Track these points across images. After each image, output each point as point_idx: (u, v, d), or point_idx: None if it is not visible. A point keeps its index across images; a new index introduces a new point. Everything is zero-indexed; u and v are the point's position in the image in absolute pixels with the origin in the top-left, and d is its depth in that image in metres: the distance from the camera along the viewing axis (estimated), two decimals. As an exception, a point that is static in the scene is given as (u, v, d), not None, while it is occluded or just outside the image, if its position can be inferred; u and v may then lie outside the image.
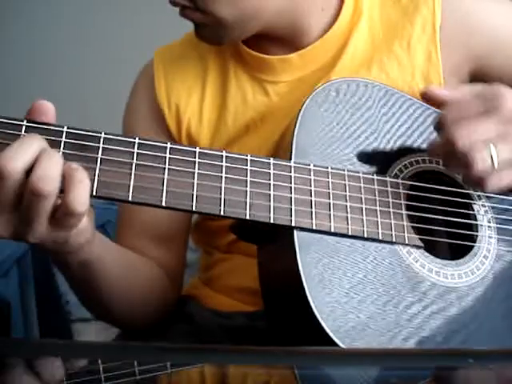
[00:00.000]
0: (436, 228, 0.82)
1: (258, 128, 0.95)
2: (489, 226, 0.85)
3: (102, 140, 0.65)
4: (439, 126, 0.79)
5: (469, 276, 0.80)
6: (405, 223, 0.79)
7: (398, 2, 0.95)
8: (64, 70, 2.32)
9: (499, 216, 0.86)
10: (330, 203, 0.75)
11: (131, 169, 0.66)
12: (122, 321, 0.94)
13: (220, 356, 0.57)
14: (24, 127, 0.63)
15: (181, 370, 0.57)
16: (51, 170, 0.62)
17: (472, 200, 0.85)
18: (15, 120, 0.63)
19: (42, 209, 0.63)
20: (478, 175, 0.76)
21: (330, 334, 0.70)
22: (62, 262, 0.76)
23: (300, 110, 0.80)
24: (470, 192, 0.86)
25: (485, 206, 0.86)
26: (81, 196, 0.63)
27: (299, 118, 0.79)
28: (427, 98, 0.85)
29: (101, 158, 0.65)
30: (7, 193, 0.62)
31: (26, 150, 0.62)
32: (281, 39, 0.94)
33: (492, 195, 0.86)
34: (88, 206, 0.64)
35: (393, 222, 0.78)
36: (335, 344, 0.70)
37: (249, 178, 0.73)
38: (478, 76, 0.95)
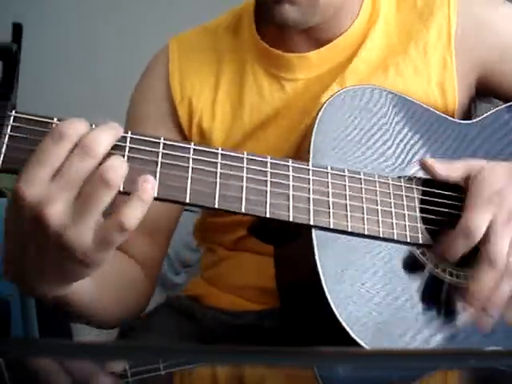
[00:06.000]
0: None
1: (272, 124, 0.98)
2: None
3: (128, 140, 0.69)
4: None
5: None
6: (419, 225, 0.83)
7: (414, 7, 0.98)
8: (66, 69, 2.38)
9: None
10: (346, 204, 0.79)
11: (156, 167, 0.70)
12: (96, 324, 0.94)
13: (226, 356, 0.58)
14: (54, 124, 0.66)
15: (182, 370, 0.59)
16: (121, 166, 0.65)
17: None
18: (45, 117, 0.67)
19: (101, 199, 0.64)
20: None
21: (349, 331, 0.74)
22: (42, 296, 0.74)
23: (318, 113, 0.84)
24: None
25: None
26: (136, 214, 0.65)
27: (317, 121, 0.83)
28: (422, 167, 0.87)
29: (128, 157, 0.68)
30: (83, 171, 0.64)
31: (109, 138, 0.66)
32: (309, 34, 0.97)
33: None
34: (136, 225, 0.65)
35: (407, 223, 0.82)
36: (352, 340, 0.74)
37: (269, 179, 0.76)
38: (486, 81, 0.99)
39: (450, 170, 0.85)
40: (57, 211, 0.64)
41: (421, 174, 0.86)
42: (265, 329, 0.92)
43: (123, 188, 0.66)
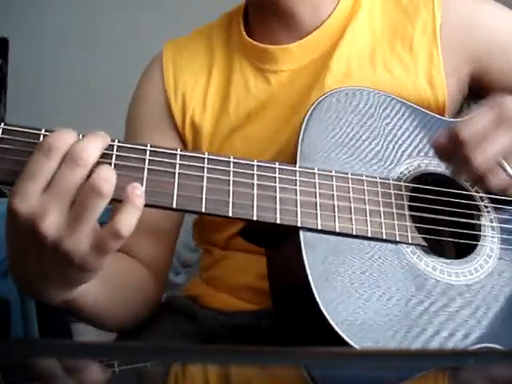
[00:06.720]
0: (439, 228, 0.87)
1: (259, 117, 1.01)
2: (491, 226, 0.89)
3: (115, 148, 0.71)
4: (452, 139, 0.83)
5: (472, 274, 0.85)
6: (408, 223, 0.84)
7: (399, 2, 1.01)
8: (67, 72, 2.42)
9: (501, 215, 0.91)
10: (334, 205, 0.81)
11: (143, 174, 0.72)
12: (107, 329, 0.99)
13: (223, 356, 0.59)
14: (42, 136, 0.69)
15: (182, 369, 0.60)
16: (113, 175, 0.67)
17: (474, 200, 0.90)
18: (34, 129, 0.69)
19: (94, 208, 0.67)
20: (498, 189, 0.83)
21: (338, 330, 0.75)
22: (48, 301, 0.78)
23: (305, 116, 0.85)
24: (472, 193, 0.90)
25: (487, 207, 0.90)
26: (130, 221, 0.68)
27: (304, 124, 0.85)
28: (440, 150, 0.86)
29: (114, 164, 0.71)
30: (74, 181, 0.67)
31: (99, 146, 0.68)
32: (289, 25, 1.00)
33: (494, 196, 0.90)
34: (131, 231, 0.68)
35: (396, 222, 0.83)
36: (342, 340, 0.75)
37: (255, 182, 0.78)
38: (477, 78, 1.01)
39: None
40: (52, 222, 0.67)
41: (410, 172, 0.88)
42: (262, 329, 0.93)
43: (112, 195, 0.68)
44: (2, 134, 0.68)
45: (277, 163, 0.80)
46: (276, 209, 0.78)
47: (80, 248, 0.68)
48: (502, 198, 0.91)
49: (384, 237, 0.82)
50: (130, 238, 0.97)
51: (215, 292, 1.03)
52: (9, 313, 1.65)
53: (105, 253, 0.69)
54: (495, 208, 0.91)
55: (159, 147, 0.74)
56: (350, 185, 0.83)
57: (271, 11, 1.00)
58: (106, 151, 0.70)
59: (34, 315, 1.66)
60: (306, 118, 0.85)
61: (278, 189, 0.79)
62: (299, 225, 0.78)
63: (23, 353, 0.58)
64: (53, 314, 1.69)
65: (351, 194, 0.82)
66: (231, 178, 0.77)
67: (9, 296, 1.66)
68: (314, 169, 0.82)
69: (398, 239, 0.83)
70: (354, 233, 0.81)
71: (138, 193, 0.68)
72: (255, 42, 1.02)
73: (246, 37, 1.03)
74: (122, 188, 0.68)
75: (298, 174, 0.81)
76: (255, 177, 0.78)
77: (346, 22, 1.01)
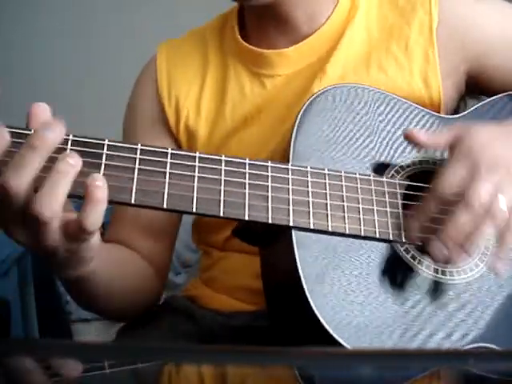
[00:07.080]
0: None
1: (255, 121, 1.01)
2: None
3: (105, 147, 0.71)
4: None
5: (467, 273, 0.85)
6: (402, 222, 0.84)
7: (395, 4, 1.01)
8: (61, 73, 2.43)
9: None
10: (327, 203, 0.81)
11: (134, 173, 0.72)
12: (110, 314, 1.03)
13: (220, 356, 0.59)
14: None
15: (181, 370, 0.60)
16: (56, 194, 0.67)
17: None
18: (20, 129, 0.69)
19: (46, 231, 0.68)
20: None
21: (329, 330, 0.76)
22: (60, 275, 0.82)
23: (298, 114, 0.85)
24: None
25: None
26: (95, 216, 0.68)
27: (297, 122, 0.85)
28: (408, 139, 0.88)
29: (105, 164, 0.71)
30: (14, 211, 0.68)
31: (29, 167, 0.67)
32: (285, 29, 1.01)
33: None
34: (100, 224, 0.69)
35: (390, 220, 0.83)
36: (335, 340, 0.75)
37: (247, 181, 0.78)
38: (474, 76, 1.01)
39: (436, 136, 0.87)
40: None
41: (404, 170, 0.88)
42: (259, 329, 0.92)
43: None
44: None
45: (269, 162, 0.80)
46: (268, 208, 0.78)
47: (54, 236, 0.69)
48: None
49: (377, 236, 0.82)
50: (128, 235, 1.01)
51: (214, 293, 1.03)
52: (9, 313, 1.65)
53: (78, 241, 0.71)
54: None
55: (150, 146, 0.74)
56: (343, 183, 0.83)
57: (268, 16, 1.00)
58: (96, 151, 0.70)
59: (33, 315, 1.67)
60: (299, 116, 0.85)
61: (270, 188, 0.79)
62: (291, 224, 0.79)
63: (23, 353, 0.58)
64: (53, 314, 1.70)
65: (344, 193, 0.82)
66: (223, 178, 0.77)
67: (9, 296, 1.67)
68: (306, 167, 0.82)
69: (391, 238, 0.83)
70: (347, 232, 0.81)
71: (97, 184, 0.68)
72: (251, 47, 1.02)
73: (242, 41, 1.03)
74: (114, 188, 0.69)
75: (290, 172, 0.81)
76: (247, 175, 0.78)
77: (344, 26, 1.01)
